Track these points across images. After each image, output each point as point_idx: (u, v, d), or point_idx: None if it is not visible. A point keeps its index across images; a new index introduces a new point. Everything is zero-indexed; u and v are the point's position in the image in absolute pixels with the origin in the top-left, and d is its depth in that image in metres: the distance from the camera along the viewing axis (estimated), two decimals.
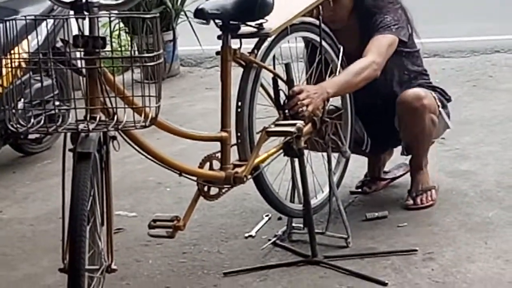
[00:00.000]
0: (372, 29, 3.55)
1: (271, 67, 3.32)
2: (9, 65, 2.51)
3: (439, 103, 3.69)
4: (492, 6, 8.54)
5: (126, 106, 2.59)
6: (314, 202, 3.47)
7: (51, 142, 5.21)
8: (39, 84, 2.56)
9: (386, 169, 4.04)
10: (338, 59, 3.54)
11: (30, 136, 4.96)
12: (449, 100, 3.84)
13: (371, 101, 3.71)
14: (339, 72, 3.50)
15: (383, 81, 3.57)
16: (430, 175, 3.81)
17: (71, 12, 2.52)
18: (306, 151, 3.36)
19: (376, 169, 4.00)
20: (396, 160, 4.04)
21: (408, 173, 3.92)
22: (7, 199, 4.46)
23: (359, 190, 3.95)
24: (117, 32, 6.54)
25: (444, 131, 3.84)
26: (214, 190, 3.14)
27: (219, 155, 3.11)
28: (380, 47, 3.50)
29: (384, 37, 3.53)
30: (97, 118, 2.50)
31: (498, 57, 6.51)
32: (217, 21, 3.11)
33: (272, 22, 3.23)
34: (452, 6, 8.61)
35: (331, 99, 3.45)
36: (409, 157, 3.81)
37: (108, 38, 2.53)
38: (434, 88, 3.78)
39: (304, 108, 3.20)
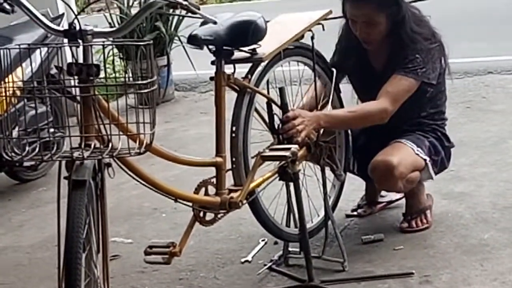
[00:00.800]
0: (399, 63, 3.51)
1: (265, 92, 3.32)
2: (3, 93, 2.51)
3: (425, 157, 3.59)
4: (485, 28, 8.60)
5: (121, 133, 2.59)
6: (310, 226, 3.47)
7: (46, 169, 5.22)
8: (33, 112, 2.56)
9: (383, 193, 4.03)
10: (331, 82, 3.55)
11: (25, 164, 4.96)
12: (450, 146, 3.77)
13: (371, 129, 3.69)
14: (332, 95, 3.51)
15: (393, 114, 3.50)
16: (425, 193, 3.80)
17: (65, 40, 2.53)
18: (301, 175, 3.35)
19: (373, 192, 3.99)
20: None
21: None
22: (2, 227, 4.45)
23: (355, 213, 3.95)
24: (111, 58, 6.55)
25: (427, 180, 3.72)
26: (209, 216, 3.13)
27: (214, 180, 3.11)
28: (398, 92, 3.45)
29: (406, 80, 3.48)
30: (92, 146, 2.50)
31: (491, 78, 6.54)
32: (210, 46, 3.12)
33: (266, 47, 3.24)
34: (445, 28, 8.64)
35: None
36: None
37: (102, 65, 2.53)
38: (435, 132, 3.71)
39: (298, 134, 3.21)
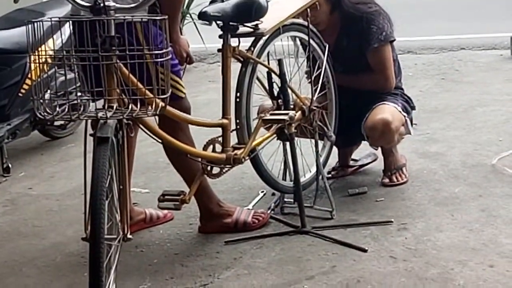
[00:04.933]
0: (368, 41, 3.58)
1: (265, 63, 3.31)
2: (37, 61, 2.50)
3: (405, 114, 3.63)
4: (458, 9, 8.56)
5: (139, 96, 2.58)
6: (303, 180, 3.47)
7: (74, 128, 5.20)
8: (63, 77, 2.55)
9: (356, 157, 4.01)
10: (324, 55, 3.53)
11: (56, 123, 4.96)
12: (413, 108, 3.80)
13: (349, 100, 3.68)
14: (325, 67, 3.50)
15: None
16: (399, 153, 3.80)
17: None
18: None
19: (344, 157, 3.96)
20: (364, 149, 4.02)
21: (375, 161, 3.92)
22: (36, 178, 4.46)
23: (330, 175, 3.88)
24: None
25: (406, 135, 3.73)
26: (216, 170, 3.13)
27: (220, 139, 3.11)
28: (390, 68, 3.62)
29: (379, 51, 3.59)
30: (114, 107, 2.50)
31: (463, 54, 6.52)
32: (218, 22, 3.10)
33: (267, 23, 3.22)
34: (423, 8, 8.60)
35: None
36: None
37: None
38: (402, 96, 3.74)
39: None
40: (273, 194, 3.67)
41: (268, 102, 3.44)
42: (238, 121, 3.18)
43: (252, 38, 3.26)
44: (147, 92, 2.56)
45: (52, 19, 2.53)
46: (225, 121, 3.11)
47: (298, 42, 3.61)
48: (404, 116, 3.63)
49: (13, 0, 4.14)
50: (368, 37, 3.59)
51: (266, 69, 3.30)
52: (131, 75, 2.56)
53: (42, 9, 4.87)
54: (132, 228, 2.91)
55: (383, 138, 3.56)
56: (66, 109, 2.50)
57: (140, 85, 2.60)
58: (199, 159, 3.06)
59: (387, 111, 3.54)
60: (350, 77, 3.65)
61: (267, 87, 3.32)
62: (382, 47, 3.60)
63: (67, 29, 3.72)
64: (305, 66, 3.58)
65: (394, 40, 3.67)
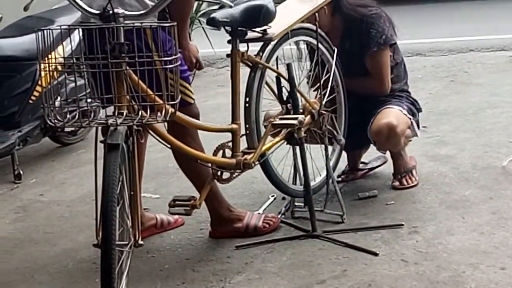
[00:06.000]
0: (368, 44, 3.57)
1: (274, 67, 3.31)
2: (47, 68, 2.51)
3: (410, 116, 3.62)
4: (467, 11, 8.54)
5: (149, 102, 2.59)
6: (313, 184, 3.47)
7: (84, 134, 5.22)
8: (73, 84, 2.57)
9: (366, 160, 4.01)
10: (333, 59, 3.53)
11: (66, 129, 4.97)
12: (419, 110, 3.79)
13: (355, 103, 3.68)
14: (333, 71, 3.50)
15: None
16: (409, 155, 3.79)
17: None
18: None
19: (354, 161, 3.96)
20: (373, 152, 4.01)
21: (385, 164, 3.91)
22: (47, 184, 4.48)
23: (340, 179, 3.88)
24: None
25: (413, 137, 3.74)
26: (226, 175, 3.14)
27: (230, 144, 3.12)
28: (386, 73, 3.60)
29: (377, 55, 3.58)
30: (124, 114, 2.50)
31: (473, 56, 6.50)
32: (227, 27, 3.11)
33: (275, 28, 3.23)
34: (432, 10, 8.59)
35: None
36: None
37: None
38: (408, 99, 3.73)
39: None
40: (284, 198, 3.67)
41: (274, 110, 3.44)
42: (247, 126, 3.19)
43: (261, 43, 3.27)
44: (157, 98, 2.57)
45: (62, 26, 2.54)
46: (234, 126, 3.11)
47: (302, 46, 3.60)
48: (410, 119, 3.62)
49: (23, 8, 4.16)
50: (368, 41, 3.58)
51: (275, 74, 3.30)
52: (140, 82, 2.57)
53: (51, 16, 4.89)
54: (143, 234, 2.91)
55: (389, 142, 3.55)
56: (76, 116, 2.51)
57: (149, 92, 2.60)
58: (209, 165, 3.07)
59: (392, 115, 3.54)
60: (350, 80, 3.64)
61: (276, 92, 3.32)
62: (382, 51, 3.59)
63: (76, 36, 3.74)
64: (310, 70, 3.57)
65: (395, 43, 3.65)
